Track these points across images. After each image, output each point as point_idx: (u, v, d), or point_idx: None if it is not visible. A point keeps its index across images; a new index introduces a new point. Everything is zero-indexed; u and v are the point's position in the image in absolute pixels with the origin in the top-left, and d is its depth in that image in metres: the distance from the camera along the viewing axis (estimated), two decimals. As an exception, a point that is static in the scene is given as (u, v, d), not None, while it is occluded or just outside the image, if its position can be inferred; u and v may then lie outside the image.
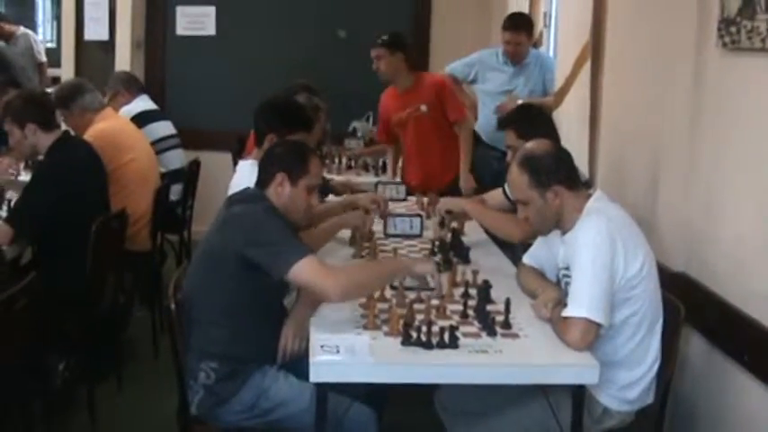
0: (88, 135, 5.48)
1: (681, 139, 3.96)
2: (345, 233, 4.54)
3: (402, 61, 6.31)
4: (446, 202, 4.64)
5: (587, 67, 5.36)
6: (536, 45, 7.11)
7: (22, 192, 4.91)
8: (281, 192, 3.51)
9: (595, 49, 5.18)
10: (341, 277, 3.29)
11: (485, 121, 6.73)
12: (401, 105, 6.41)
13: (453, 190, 6.06)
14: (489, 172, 6.36)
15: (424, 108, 6.23)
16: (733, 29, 3.44)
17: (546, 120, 4.43)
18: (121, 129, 5.89)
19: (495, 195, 4.79)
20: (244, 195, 3.58)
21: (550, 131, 4.23)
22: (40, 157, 4.99)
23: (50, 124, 4.90)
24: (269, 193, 3.52)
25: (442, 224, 4.60)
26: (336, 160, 7.14)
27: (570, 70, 5.80)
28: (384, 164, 7.17)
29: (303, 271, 3.26)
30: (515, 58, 6.62)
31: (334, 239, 4.47)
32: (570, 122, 5.73)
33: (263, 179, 3.58)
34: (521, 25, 6.61)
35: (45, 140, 4.83)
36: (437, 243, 4.43)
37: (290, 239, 3.37)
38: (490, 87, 6.74)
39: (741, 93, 3.49)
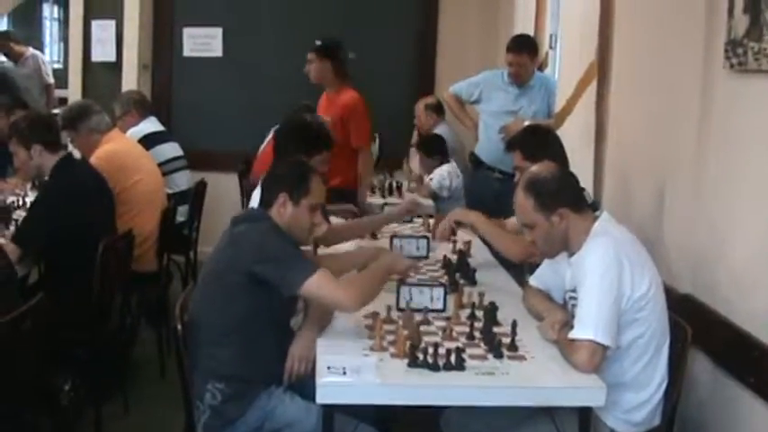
0: (95, 156, 5.50)
1: (687, 160, 3.96)
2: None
3: (329, 69, 6.64)
4: (455, 213, 4.66)
5: (591, 87, 5.37)
6: (541, 67, 7.12)
7: (27, 211, 4.93)
8: (284, 212, 3.53)
9: (602, 70, 5.19)
10: (352, 288, 3.34)
11: (486, 142, 6.74)
12: (324, 109, 6.72)
13: (336, 193, 6.15)
14: (491, 193, 6.37)
15: (327, 119, 6.30)
16: (740, 50, 3.45)
17: (553, 142, 4.42)
18: (128, 150, 5.90)
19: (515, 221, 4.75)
20: (248, 215, 3.62)
21: (558, 153, 4.22)
22: (46, 178, 5.00)
23: (56, 146, 4.91)
24: (272, 214, 3.54)
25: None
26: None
27: (573, 91, 5.80)
28: (391, 185, 7.19)
29: (316, 285, 3.30)
30: (519, 79, 6.63)
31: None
32: (573, 143, 5.73)
33: (266, 200, 3.59)
34: (524, 47, 6.63)
35: (50, 161, 4.84)
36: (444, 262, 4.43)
37: (298, 256, 3.41)
38: (494, 107, 6.74)
39: (748, 114, 3.49)
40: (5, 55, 9.47)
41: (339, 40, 6.87)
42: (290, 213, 3.53)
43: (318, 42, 6.66)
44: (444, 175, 6.99)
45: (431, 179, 7.04)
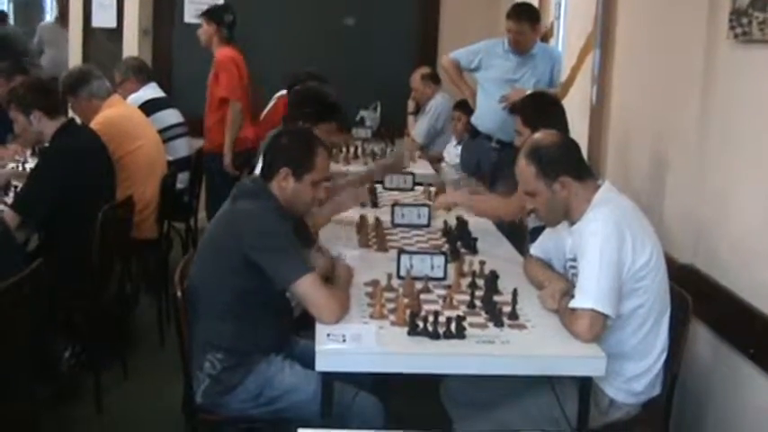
0: (95, 122, 5.47)
1: (690, 130, 3.94)
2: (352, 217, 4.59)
3: (213, 32, 7.11)
4: (442, 202, 4.72)
5: (590, 57, 5.35)
6: (546, 36, 7.08)
7: (27, 178, 4.91)
8: (285, 186, 3.47)
9: (605, 40, 5.16)
10: (335, 304, 3.26)
11: (485, 111, 6.65)
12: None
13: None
14: (488, 161, 6.33)
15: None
16: (744, 20, 3.42)
17: (556, 111, 4.40)
18: (129, 116, 5.88)
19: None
20: (250, 190, 3.53)
21: (559, 122, 4.20)
22: (46, 144, 4.98)
23: (56, 111, 4.88)
24: (273, 188, 3.49)
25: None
26: (344, 150, 7.11)
27: (575, 61, 5.78)
28: (392, 153, 7.19)
29: (303, 289, 3.26)
30: (519, 47, 6.49)
31: (342, 226, 4.51)
32: (574, 113, 5.71)
33: (267, 172, 3.53)
34: (523, 14, 6.51)
35: (50, 128, 4.82)
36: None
37: (294, 253, 3.35)
38: (494, 75, 6.64)
39: (752, 85, 3.47)
40: None
41: (227, 4, 7.50)
42: (291, 189, 3.47)
43: (204, 7, 7.23)
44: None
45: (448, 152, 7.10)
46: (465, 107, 7.21)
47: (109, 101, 5.75)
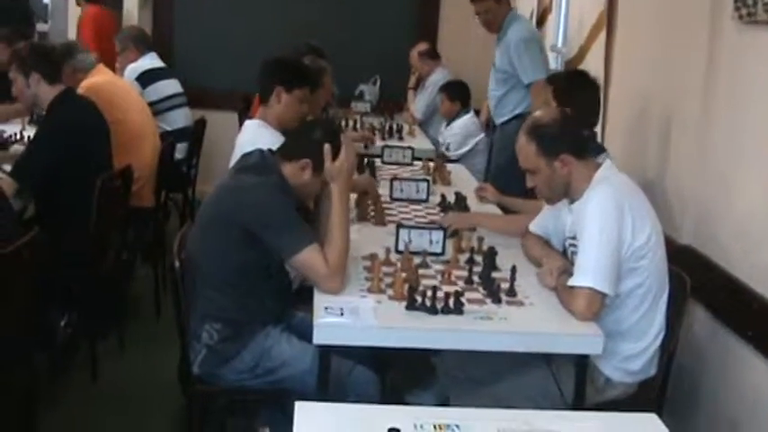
0: (81, 88, 5.45)
1: (694, 111, 3.93)
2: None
3: None
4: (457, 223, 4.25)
5: (601, 38, 5.32)
6: (545, 13, 7.03)
7: (26, 146, 4.89)
8: (301, 175, 3.43)
9: (609, 18, 5.14)
10: (336, 275, 3.25)
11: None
12: None
13: None
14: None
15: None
16: (749, 1, 3.40)
17: (589, 91, 4.23)
18: (115, 83, 5.91)
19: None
20: (256, 165, 3.48)
21: (590, 103, 4.18)
22: (43, 112, 4.96)
23: (55, 77, 4.87)
24: (286, 168, 3.44)
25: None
26: (343, 123, 7.10)
27: (586, 38, 5.75)
28: (391, 127, 7.16)
29: (305, 261, 3.26)
30: (490, 27, 6.20)
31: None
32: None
33: (288, 153, 3.49)
34: None
35: (47, 93, 4.80)
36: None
37: (296, 225, 3.32)
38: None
39: (756, 66, 3.46)
40: None
41: None
42: (306, 180, 3.44)
43: None
44: (456, 132, 6.98)
45: (443, 136, 7.06)
46: (450, 89, 7.21)
47: (93, 71, 5.74)
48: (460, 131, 7.00)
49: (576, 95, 4.09)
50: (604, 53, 5.22)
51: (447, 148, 6.90)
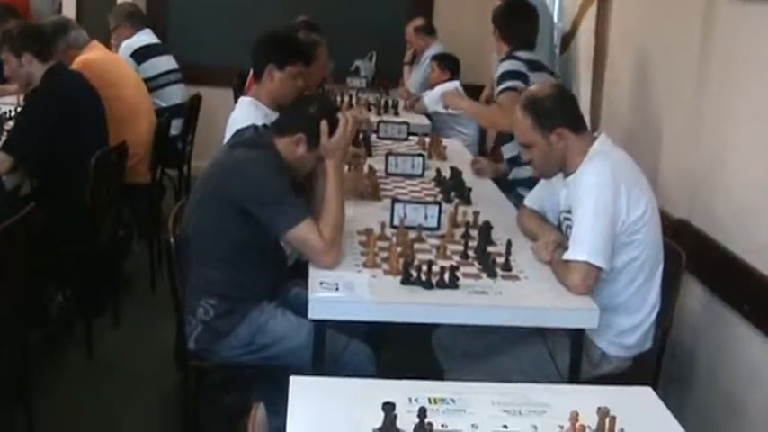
0: (75, 64, 5.43)
1: (689, 86, 3.92)
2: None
3: None
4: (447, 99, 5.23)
5: (591, 12, 5.31)
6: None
7: (17, 119, 4.88)
8: (295, 150, 3.42)
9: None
10: (331, 250, 3.25)
11: None
12: None
13: None
14: None
15: None
16: (744, -24, 3.40)
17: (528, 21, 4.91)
18: (109, 59, 5.89)
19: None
20: (250, 140, 3.48)
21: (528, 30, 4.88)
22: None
23: (47, 55, 4.85)
24: (280, 143, 3.43)
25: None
26: (338, 99, 7.08)
27: (576, 12, 5.74)
28: (387, 103, 7.14)
29: (299, 236, 3.24)
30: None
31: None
32: (577, 68, 5.69)
33: (282, 128, 3.48)
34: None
35: (40, 71, 4.79)
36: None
37: (290, 201, 3.31)
38: None
39: (750, 42, 3.45)
40: None
41: None
42: (300, 155, 3.43)
43: None
44: (437, 93, 6.93)
45: (425, 95, 7.00)
46: (441, 58, 7.22)
47: (87, 48, 5.72)
48: (439, 89, 6.94)
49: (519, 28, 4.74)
50: (595, 31, 5.21)
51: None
